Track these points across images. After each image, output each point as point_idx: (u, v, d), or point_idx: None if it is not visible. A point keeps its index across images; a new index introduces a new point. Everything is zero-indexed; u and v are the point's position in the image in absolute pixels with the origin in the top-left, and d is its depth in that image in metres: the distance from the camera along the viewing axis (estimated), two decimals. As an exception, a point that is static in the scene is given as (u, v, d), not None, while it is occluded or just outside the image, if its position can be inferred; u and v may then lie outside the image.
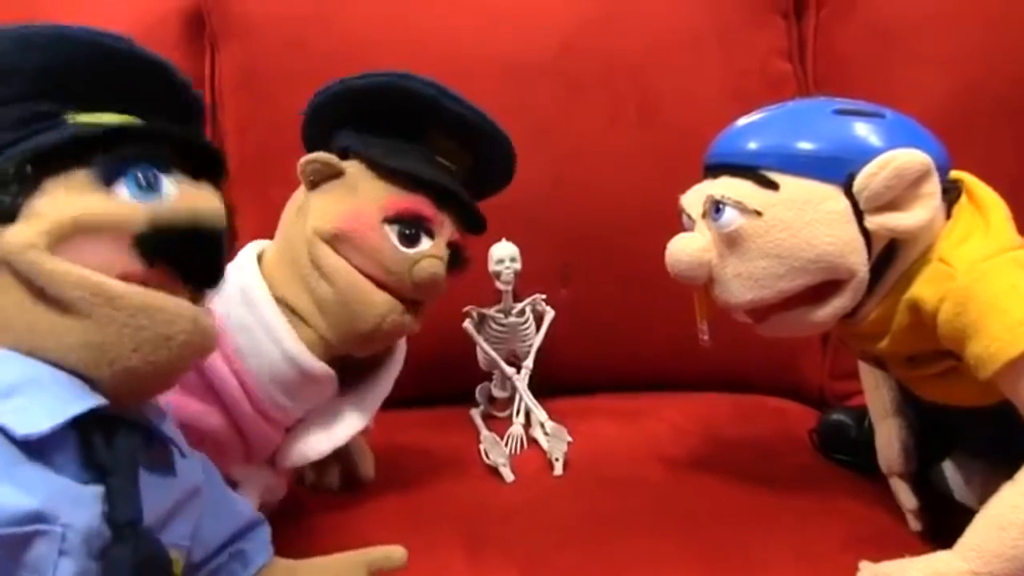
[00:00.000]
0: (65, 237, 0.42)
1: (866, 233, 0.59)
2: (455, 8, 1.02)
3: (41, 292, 0.42)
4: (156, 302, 0.44)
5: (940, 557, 0.56)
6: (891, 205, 0.58)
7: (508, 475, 0.78)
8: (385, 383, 0.74)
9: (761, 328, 0.66)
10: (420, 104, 0.68)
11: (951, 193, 0.62)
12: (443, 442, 0.87)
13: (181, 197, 0.46)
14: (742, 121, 0.66)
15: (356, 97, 0.70)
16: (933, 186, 0.58)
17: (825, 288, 0.61)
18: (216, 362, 0.64)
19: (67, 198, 0.43)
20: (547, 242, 0.83)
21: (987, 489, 0.58)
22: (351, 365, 0.72)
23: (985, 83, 0.96)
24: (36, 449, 0.41)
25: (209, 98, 1.07)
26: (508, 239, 0.90)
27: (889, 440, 0.72)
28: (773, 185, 0.60)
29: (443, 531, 0.69)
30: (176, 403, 0.60)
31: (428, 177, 0.68)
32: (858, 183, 0.58)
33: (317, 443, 0.70)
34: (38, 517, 0.40)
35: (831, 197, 0.59)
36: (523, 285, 0.91)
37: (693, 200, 0.66)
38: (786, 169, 0.60)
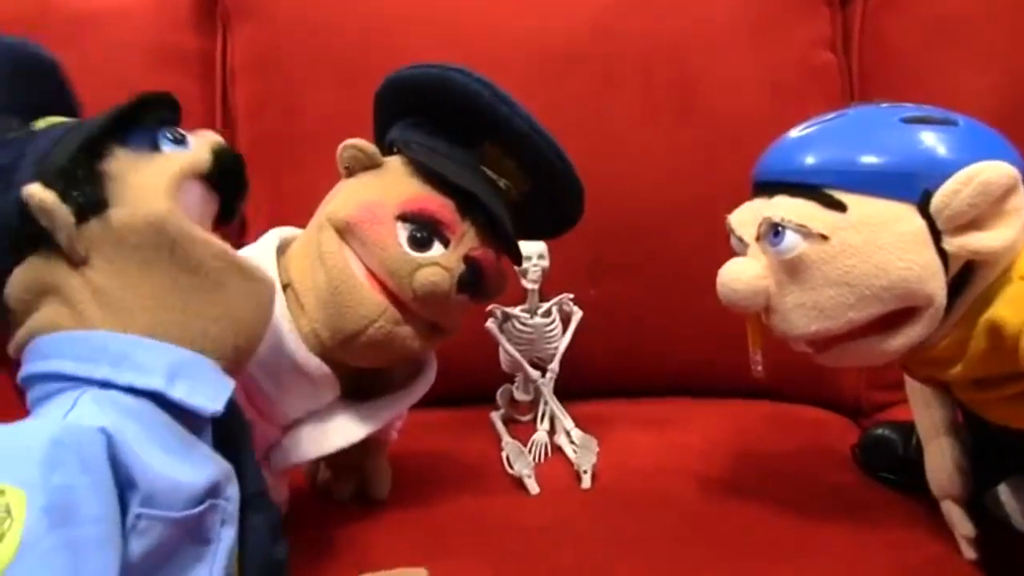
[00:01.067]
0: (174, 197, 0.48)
1: (942, 254, 0.54)
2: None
3: (185, 266, 0.47)
4: (258, 266, 0.51)
5: None
6: (973, 224, 0.53)
7: (533, 487, 0.74)
8: (399, 402, 0.69)
9: (822, 358, 0.61)
10: (472, 105, 0.62)
11: None
12: (463, 447, 0.84)
13: (199, 140, 0.52)
14: (797, 133, 0.60)
15: (410, 88, 0.65)
16: (1019, 201, 0.53)
17: (898, 316, 0.56)
18: None
19: (143, 170, 0.48)
20: (576, 238, 0.79)
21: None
22: (376, 381, 0.68)
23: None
24: (195, 429, 0.47)
25: (220, 79, 1.04)
26: (535, 235, 0.86)
27: (942, 461, 0.67)
28: (840, 206, 0.55)
29: (468, 549, 0.65)
30: None
31: (452, 178, 0.62)
32: (937, 202, 0.53)
33: (306, 446, 0.65)
34: (210, 492, 0.45)
35: (904, 217, 0.54)
36: (550, 284, 0.87)
37: (745, 220, 0.61)
38: (853, 188, 0.55)
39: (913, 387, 0.71)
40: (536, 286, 0.85)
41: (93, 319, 0.46)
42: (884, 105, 0.61)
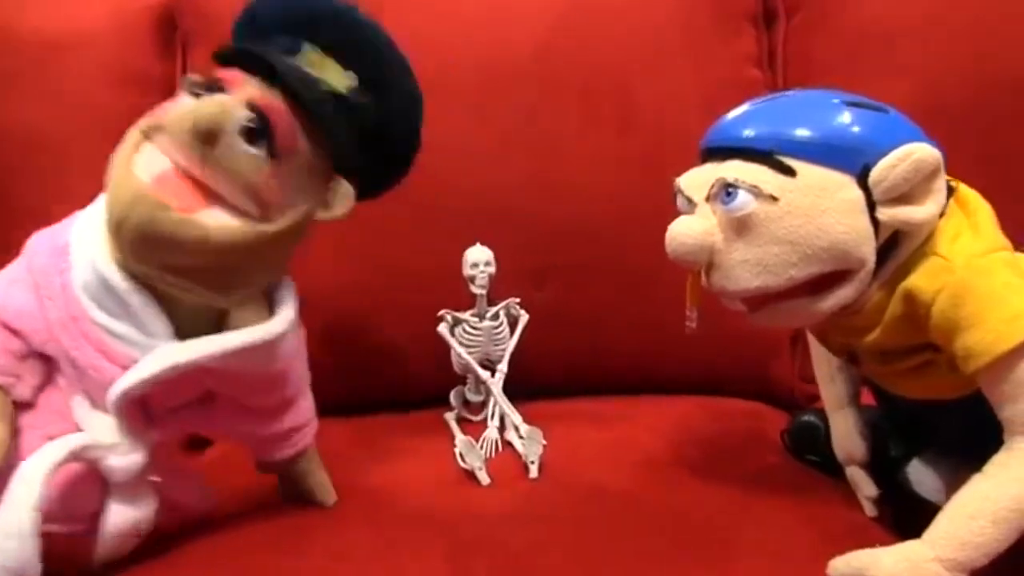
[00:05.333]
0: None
1: (875, 223, 0.60)
2: (430, 10, 1.02)
3: None
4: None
5: (909, 545, 0.58)
6: (904, 198, 0.59)
7: (484, 478, 0.78)
8: (235, 338, 0.65)
9: (754, 317, 0.65)
10: (290, 4, 0.68)
11: (947, 193, 0.62)
12: (417, 446, 0.87)
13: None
14: (747, 107, 0.65)
15: (238, 33, 0.71)
16: (942, 181, 0.60)
17: (828, 279, 0.61)
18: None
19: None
20: (522, 245, 0.83)
21: (958, 485, 0.59)
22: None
23: (954, 92, 0.98)
24: None
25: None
26: (482, 241, 0.90)
27: (846, 429, 0.74)
28: (790, 171, 0.60)
29: (422, 538, 0.68)
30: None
31: (248, 50, 0.65)
32: (876, 175, 0.59)
33: (128, 375, 0.62)
34: None
35: (846, 186, 0.60)
36: (497, 287, 0.91)
37: (695, 182, 0.64)
38: (802, 156, 0.60)
39: (819, 364, 0.77)
40: (484, 291, 0.89)
41: None
42: (825, 90, 0.66)
